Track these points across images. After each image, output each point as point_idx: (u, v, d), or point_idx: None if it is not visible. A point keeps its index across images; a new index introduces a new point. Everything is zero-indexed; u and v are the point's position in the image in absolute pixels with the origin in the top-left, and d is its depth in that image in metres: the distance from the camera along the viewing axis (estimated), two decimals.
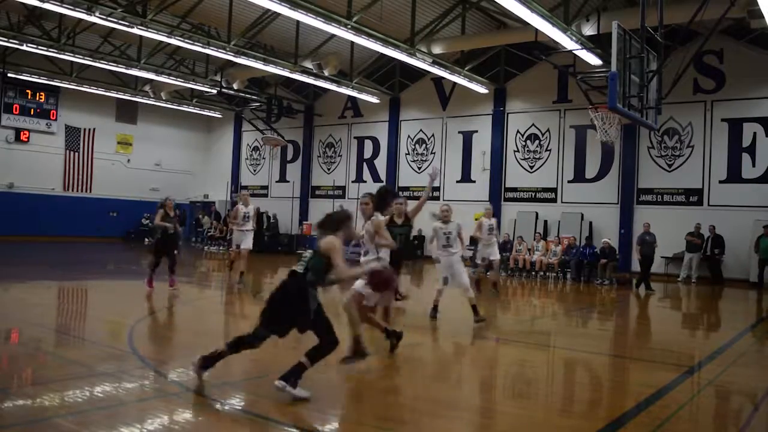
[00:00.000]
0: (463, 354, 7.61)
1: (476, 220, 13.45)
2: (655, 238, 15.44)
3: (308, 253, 4.99)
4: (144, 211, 27.69)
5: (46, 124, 25.08)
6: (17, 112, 24.31)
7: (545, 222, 20.38)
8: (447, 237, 9.03)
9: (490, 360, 7.36)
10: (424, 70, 20.29)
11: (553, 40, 14.43)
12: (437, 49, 17.29)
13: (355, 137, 25.63)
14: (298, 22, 16.64)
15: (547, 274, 18.15)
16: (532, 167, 21.29)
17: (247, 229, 12.51)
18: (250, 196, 13.32)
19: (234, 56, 17.90)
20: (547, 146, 21.01)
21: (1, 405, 4.57)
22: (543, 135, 21.12)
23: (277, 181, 28.02)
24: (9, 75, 22.03)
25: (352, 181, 25.34)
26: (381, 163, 24.69)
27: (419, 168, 23.80)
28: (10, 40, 18.09)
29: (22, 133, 24.40)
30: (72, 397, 4.82)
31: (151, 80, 23.16)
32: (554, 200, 20.74)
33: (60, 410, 4.49)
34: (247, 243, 12.53)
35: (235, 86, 22.33)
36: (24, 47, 18.42)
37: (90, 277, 14.47)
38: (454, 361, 7.24)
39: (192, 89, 24.74)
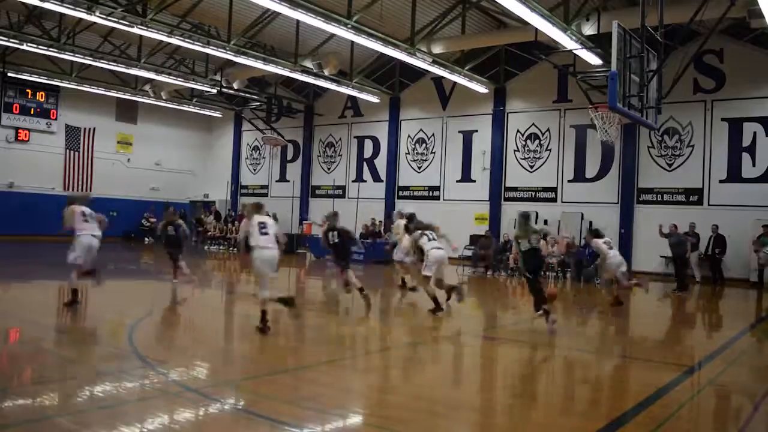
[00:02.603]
0: (463, 354, 7.61)
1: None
2: (679, 239, 15.23)
3: None
4: (144, 211, 27.73)
5: (46, 124, 25.06)
6: (17, 112, 24.27)
7: (545, 222, 20.34)
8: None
9: (490, 360, 7.36)
10: (424, 70, 20.28)
11: (553, 39, 14.41)
12: (437, 49, 17.27)
13: (355, 137, 25.62)
14: (298, 21, 16.61)
15: (547, 273, 18.13)
16: (532, 167, 21.29)
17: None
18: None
19: (234, 56, 17.88)
20: (547, 146, 21.00)
21: (1, 405, 4.57)
22: (543, 134, 21.11)
23: (277, 181, 28.02)
24: (9, 74, 22.02)
25: (352, 181, 25.34)
26: (381, 163, 24.68)
27: (419, 168, 23.80)
28: (10, 40, 18.05)
29: (22, 132, 24.39)
30: (72, 397, 4.83)
31: (151, 80, 23.14)
32: (554, 200, 20.74)
33: (60, 410, 4.49)
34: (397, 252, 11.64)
35: (235, 86, 22.31)
36: (24, 47, 18.39)
37: (90, 276, 14.42)
38: (454, 361, 7.24)
39: (192, 89, 24.71)
